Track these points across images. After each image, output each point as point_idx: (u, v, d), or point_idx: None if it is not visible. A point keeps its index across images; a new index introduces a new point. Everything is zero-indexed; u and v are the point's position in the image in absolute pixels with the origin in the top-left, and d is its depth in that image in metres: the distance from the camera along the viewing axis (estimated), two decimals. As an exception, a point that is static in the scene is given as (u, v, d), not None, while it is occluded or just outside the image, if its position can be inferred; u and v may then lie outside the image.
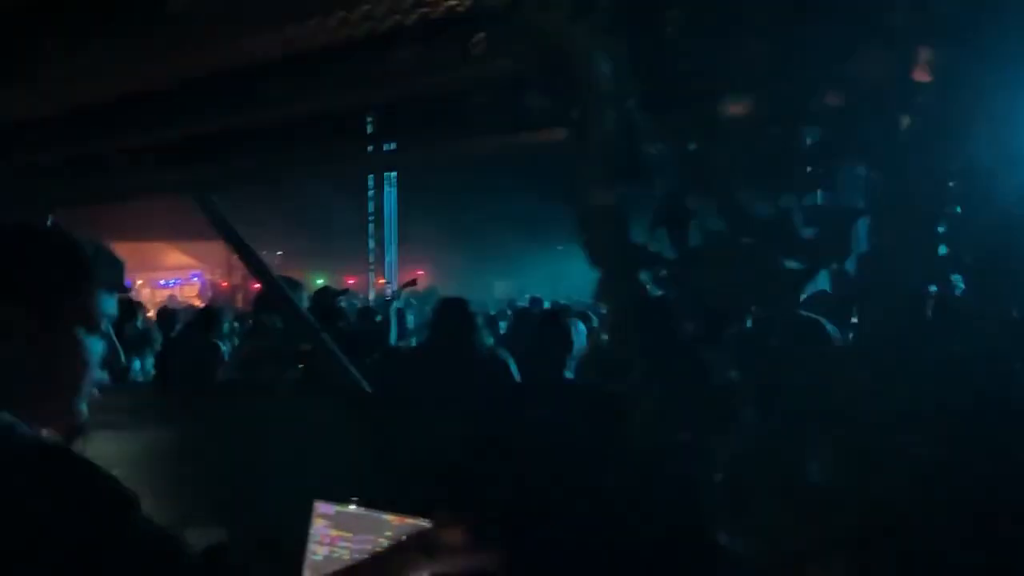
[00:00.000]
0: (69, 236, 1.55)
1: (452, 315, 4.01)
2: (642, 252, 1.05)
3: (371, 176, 19.31)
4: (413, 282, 13.01)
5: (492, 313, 9.31)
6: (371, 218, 21.86)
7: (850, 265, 1.09)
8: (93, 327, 1.47)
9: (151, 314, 9.13)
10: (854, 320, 1.19)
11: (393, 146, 2.32)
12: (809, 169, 1.09)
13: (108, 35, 2.00)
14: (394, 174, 20.44)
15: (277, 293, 3.29)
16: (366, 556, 2.57)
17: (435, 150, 2.25)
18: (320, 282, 17.63)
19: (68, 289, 1.45)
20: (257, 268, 3.27)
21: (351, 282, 20.48)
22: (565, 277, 17.05)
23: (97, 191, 3.34)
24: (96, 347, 1.48)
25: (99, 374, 1.51)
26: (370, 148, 2.30)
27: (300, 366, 3.95)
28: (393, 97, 1.89)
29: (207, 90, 2.13)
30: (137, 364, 6.41)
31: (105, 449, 3.66)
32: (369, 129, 2.07)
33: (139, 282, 22.12)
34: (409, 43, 1.73)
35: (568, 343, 3.48)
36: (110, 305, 1.51)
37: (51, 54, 2.10)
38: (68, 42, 1.88)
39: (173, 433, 3.54)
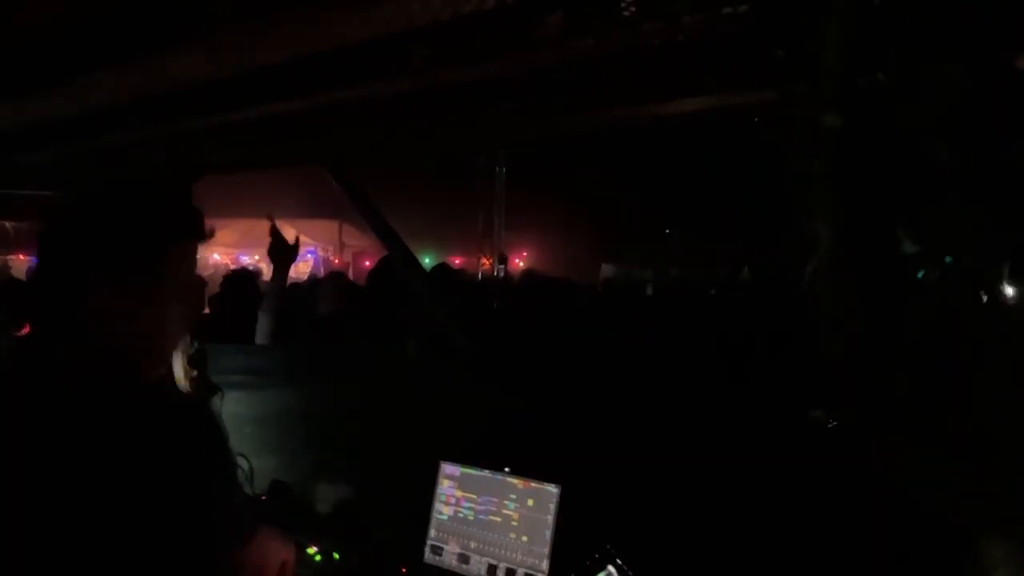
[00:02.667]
0: (163, 193, 1.70)
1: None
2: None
3: (481, 157, 19.54)
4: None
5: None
6: (479, 200, 22.11)
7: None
8: (192, 274, 1.63)
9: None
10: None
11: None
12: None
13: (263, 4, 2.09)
14: (504, 156, 20.63)
15: (409, 263, 3.38)
16: (490, 517, 2.66)
17: (584, 120, 2.26)
18: (427, 261, 17.96)
19: (172, 241, 1.58)
20: (388, 238, 3.36)
21: (458, 262, 20.78)
22: (672, 259, 16.85)
23: (236, 159, 3.49)
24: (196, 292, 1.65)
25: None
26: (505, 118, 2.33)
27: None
28: (540, 64, 1.91)
29: (353, 58, 2.19)
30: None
31: (239, 408, 3.86)
32: (510, 98, 2.09)
33: (256, 257, 22.99)
34: (560, 7, 1.74)
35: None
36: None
37: (208, 23, 2.20)
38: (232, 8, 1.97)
39: (300, 393, 3.69)
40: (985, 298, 0.96)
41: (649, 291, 8.24)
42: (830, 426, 2.13)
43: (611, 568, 2.33)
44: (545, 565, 2.56)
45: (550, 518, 2.58)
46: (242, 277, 5.65)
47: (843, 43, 1.10)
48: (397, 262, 3.42)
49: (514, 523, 2.65)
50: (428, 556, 2.81)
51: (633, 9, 1.70)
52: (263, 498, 3.37)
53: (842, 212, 1.04)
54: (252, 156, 3.22)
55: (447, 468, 2.86)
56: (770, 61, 1.32)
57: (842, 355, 1.06)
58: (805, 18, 1.25)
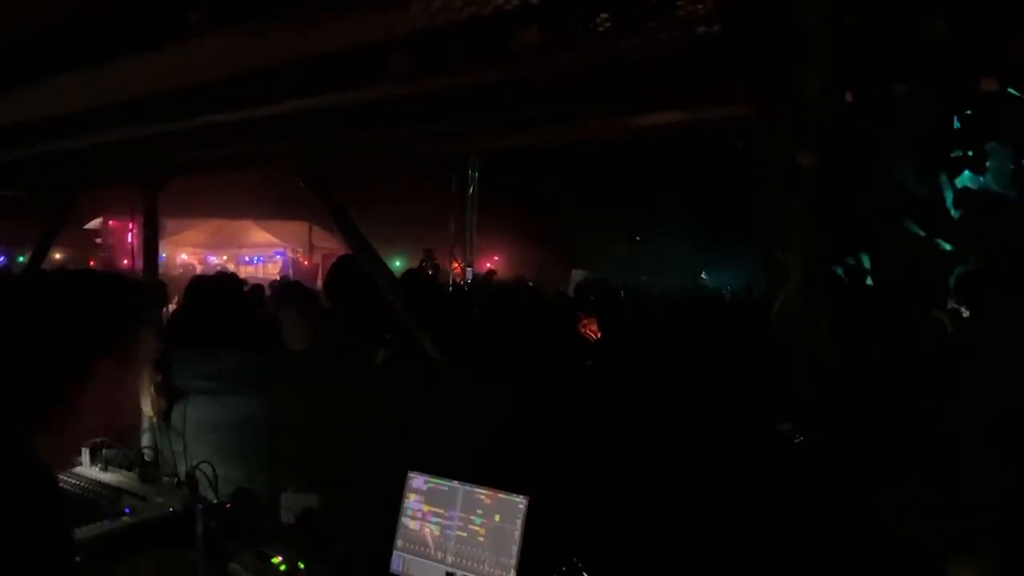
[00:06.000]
0: (130, 280, 1.80)
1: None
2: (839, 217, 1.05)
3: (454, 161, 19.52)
4: (492, 272, 13.26)
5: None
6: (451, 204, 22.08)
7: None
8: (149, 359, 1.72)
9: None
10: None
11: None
12: (958, 152, 1.08)
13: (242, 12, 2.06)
14: (477, 161, 20.65)
15: (377, 268, 3.36)
16: (457, 530, 2.64)
17: (559, 132, 2.26)
18: (398, 264, 17.88)
19: (135, 336, 1.68)
20: (357, 244, 3.34)
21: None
22: (641, 266, 16.97)
23: (208, 163, 3.46)
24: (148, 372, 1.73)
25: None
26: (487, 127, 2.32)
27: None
28: (518, 76, 1.91)
29: (330, 66, 2.18)
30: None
31: (203, 414, 3.81)
32: (491, 108, 2.08)
33: (224, 258, 22.77)
34: (535, 21, 1.74)
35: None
36: None
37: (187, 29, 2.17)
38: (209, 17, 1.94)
39: (267, 400, 3.65)
40: (949, 324, 0.97)
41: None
42: (797, 441, 2.14)
43: (578, 581, 2.33)
44: (512, 577, 2.55)
45: (517, 532, 2.57)
46: (219, 282, 5.29)
47: (815, 64, 1.11)
48: (366, 266, 3.40)
49: (480, 538, 2.64)
50: (394, 567, 2.79)
51: (608, 25, 1.70)
52: (228, 506, 3.32)
53: (814, 242, 1.05)
54: (224, 160, 3.19)
55: (414, 480, 2.84)
56: (743, 80, 1.33)
57: (813, 378, 1.06)
58: (776, 39, 1.26)
